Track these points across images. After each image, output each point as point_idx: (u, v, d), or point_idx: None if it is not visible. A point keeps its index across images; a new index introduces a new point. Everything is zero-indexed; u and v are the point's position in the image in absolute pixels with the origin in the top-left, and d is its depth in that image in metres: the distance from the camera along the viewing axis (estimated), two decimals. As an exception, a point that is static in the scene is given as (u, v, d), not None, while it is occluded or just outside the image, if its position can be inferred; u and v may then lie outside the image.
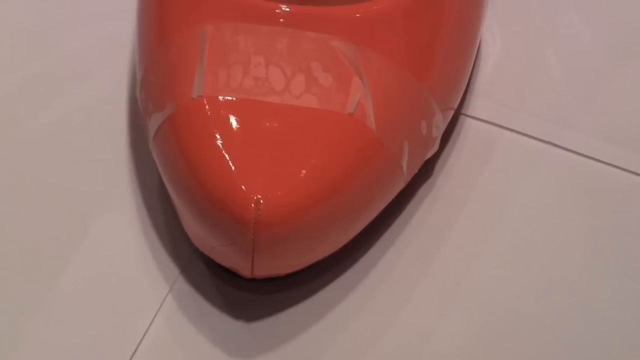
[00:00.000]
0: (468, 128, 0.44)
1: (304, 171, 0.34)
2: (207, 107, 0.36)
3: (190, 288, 0.39)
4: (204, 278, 0.39)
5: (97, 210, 0.41)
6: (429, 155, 0.40)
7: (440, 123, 0.39)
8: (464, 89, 0.42)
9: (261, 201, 0.33)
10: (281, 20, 0.37)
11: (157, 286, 0.39)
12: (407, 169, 0.38)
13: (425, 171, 0.41)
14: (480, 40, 0.45)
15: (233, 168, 0.34)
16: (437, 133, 0.39)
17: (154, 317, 0.38)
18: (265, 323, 0.38)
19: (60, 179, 0.42)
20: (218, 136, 0.35)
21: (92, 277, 0.39)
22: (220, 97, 0.36)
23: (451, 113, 0.41)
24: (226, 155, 0.34)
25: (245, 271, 0.36)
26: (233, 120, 0.35)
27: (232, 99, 0.36)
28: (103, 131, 0.44)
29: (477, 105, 0.45)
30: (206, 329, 0.38)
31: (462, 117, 0.44)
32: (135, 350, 0.37)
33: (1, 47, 0.47)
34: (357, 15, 0.38)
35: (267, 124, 0.35)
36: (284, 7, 0.37)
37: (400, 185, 0.38)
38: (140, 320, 0.38)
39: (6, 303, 0.38)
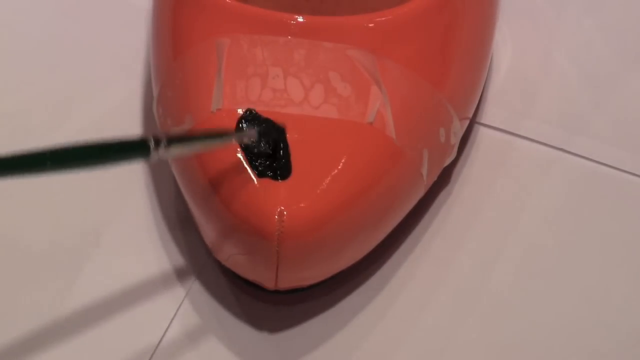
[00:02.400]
0: (482, 136, 0.44)
1: (326, 182, 0.34)
2: (226, 120, 0.36)
3: (207, 298, 0.39)
4: (221, 289, 0.39)
5: (112, 219, 0.41)
6: (447, 162, 0.40)
7: (458, 130, 0.39)
8: (479, 95, 0.42)
9: (285, 213, 0.33)
10: (297, 31, 0.37)
11: (172, 295, 0.39)
12: (427, 177, 0.38)
13: (443, 179, 0.41)
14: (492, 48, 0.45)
15: (255, 181, 0.34)
16: (455, 140, 0.39)
17: (169, 326, 0.38)
18: (288, 334, 0.38)
19: (75, 189, 0.42)
20: (238, 149, 0.35)
21: (107, 286, 0.39)
22: (240, 110, 0.36)
23: (467, 121, 0.41)
24: (247, 168, 0.34)
25: (269, 283, 0.36)
26: None
27: (252, 112, 0.36)
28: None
29: (490, 113, 0.45)
30: (226, 340, 0.38)
31: (475, 126, 0.44)
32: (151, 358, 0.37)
33: (18, 61, 0.47)
34: (372, 24, 0.38)
35: (287, 135, 0.35)
36: (299, 18, 0.37)
37: (420, 193, 0.38)
38: (156, 328, 0.38)
39: (22, 313, 0.38)
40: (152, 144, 0.29)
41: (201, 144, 0.34)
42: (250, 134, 0.34)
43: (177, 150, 0.31)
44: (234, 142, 0.34)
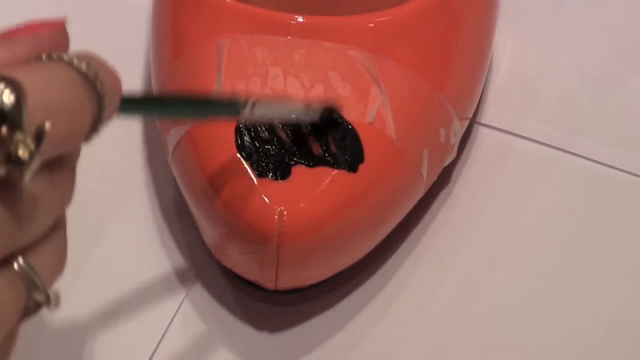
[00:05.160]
0: (482, 136, 0.44)
1: (326, 182, 0.34)
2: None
3: (207, 298, 0.39)
4: (221, 289, 0.39)
5: (112, 219, 0.41)
6: (447, 162, 0.40)
7: (458, 130, 0.39)
8: (479, 95, 0.42)
9: (284, 213, 0.33)
10: (297, 31, 0.37)
11: (172, 295, 0.39)
12: (427, 177, 0.38)
13: (443, 179, 0.41)
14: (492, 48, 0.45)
15: (255, 181, 0.34)
16: (455, 140, 0.39)
17: (169, 326, 0.38)
18: (288, 334, 0.38)
19: (75, 189, 0.42)
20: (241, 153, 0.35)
21: (107, 286, 0.39)
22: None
23: (467, 121, 0.41)
24: (247, 168, 0.34)
25: (269, 283, 0.36)
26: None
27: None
28: (117, 142, 0.44)
29: (490, 113, 0.45)
30: (226, 340, 0.38)
31: (475, 126, 0.44)
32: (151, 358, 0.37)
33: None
34: (372, 24, 0.38)
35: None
36: (299, 18, 0.37)
37: (420, 193, 0.38)
38: (156, 328, 0.38)
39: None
40: (241, 104, 0.31)
41: (285, 111, 0.34)
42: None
43: (261, 111, 0.32)
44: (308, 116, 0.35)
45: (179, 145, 0.37)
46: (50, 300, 0.24)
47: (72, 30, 0.48)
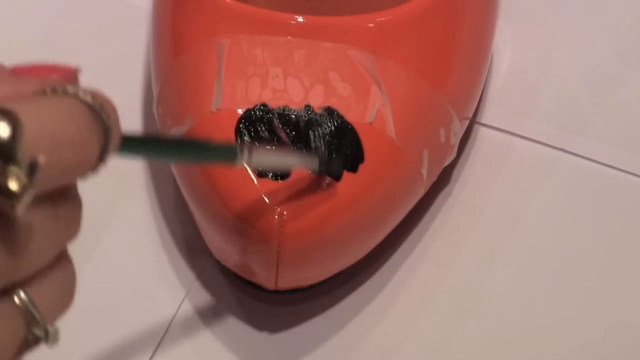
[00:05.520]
0: (482, 136, 0.44)
1: (326, 182, 0.34)
2: (226, 121, 0.36)
3: (207, 298, 0.39)
4: (221, 289, 0.39)
5: (112, 219, 0.41)
6: (447, 162, 0.40)
7: (458, 130, 0.39)
8: (479, 95, 0.42)
9: (284, 213, 0.33)
10: (297, 31, 0.37)
11: (172, 295, 0.39)
12: (427, 177, 0.38)
13: (443, 179, 0.41)
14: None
15: (255, 181, 0.34)
16: (455, 140, 0.39)
17: (169, 326, 0.38)
18: (288, 334, 0.38)
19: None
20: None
21: (107, 286, 0.39)
22: (239, 110, 0.36)
23: (467, 121, 0.41)
24: (247, 168, 0.34)
25: (269, 283, 0.35)
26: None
27: (251, 112, 0.36)
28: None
29: (490, 113, 0.45)
30: (226, 340, 0.38)
31: (475, 126, 0.44)
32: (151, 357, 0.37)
33: (17, 61, 0.47)
34: (372, 24, 0.38)
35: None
36: (299, 18, 0.37)
37: (420, 193, 0.38)
38: (156, 328, 0.38)
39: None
40: (239, 151, 0.30)
41: (283, 160, 0.34)
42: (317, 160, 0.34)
43: (259, 160, 0.32)
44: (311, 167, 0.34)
45: (179, 146, 0.37)
46: (48, 336, 0.24)
47: (73, 30, 0.49)
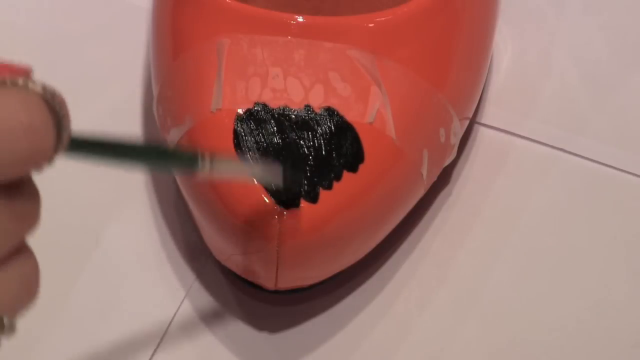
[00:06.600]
0: (482, 136, 0.44)
1: (326, 181, 0.34)
2: (226, 120, 0.36)
3: (207, 298, 0.39)
4: (221, 289, 0.39)
5: (112, 219, 0.41)
6: (447, 162, 0.40)
7: (458, 130, 0.39)
8: (479, 95, 0.42)
9: (284, 213, 0.33)
10: (297, 31, 0.37)
11: (172, 295, 0.39)
12: (427, 177, 0.38)
13: (443, 179, 0.41)
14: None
15: (255, 181, 0.34)
16: (455, 140, 0.39)
17: (169, 326, 0.38)
18: (288, 334, 0.38)
19: (75, 189, 0.42)
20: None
21: (107, 286, 0.39)
22: (240, 110, 0.36)
23: (467, 121, 0.41)
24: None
25: (269, 283, 0.35)
26: None
27: (251, 111, 0.36)
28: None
29: (490, 112, 0.45)
30: (226, 340, 0.38)
31: (475, 126, 0.44)
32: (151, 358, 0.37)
33: (17, 61, 0.47)
34: (372, 24, 0.38)
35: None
36: (299, 18, 0.37)
37: (420, 193, 0.38)
38: (156, 328, 0.38)
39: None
40: (199, 159, 0.30)
41: (244, 172, 0.34)
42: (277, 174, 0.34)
43: (220, 168, 0.31)
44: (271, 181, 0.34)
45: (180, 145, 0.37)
46: (4, 327, 0.24)
47: (72, 29, 0.49)
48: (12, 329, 0.24)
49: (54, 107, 0.23)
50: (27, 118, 0.22)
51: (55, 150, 0.24)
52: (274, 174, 0.34)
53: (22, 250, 0.25)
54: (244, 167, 0.34)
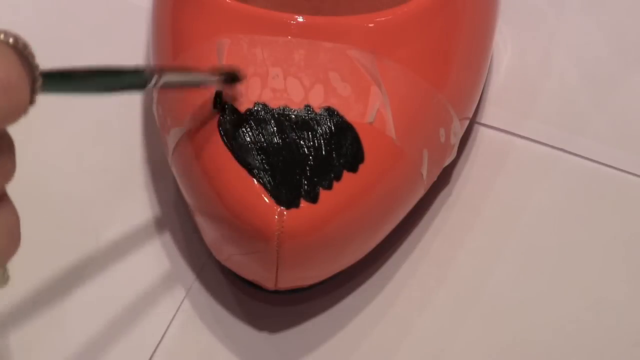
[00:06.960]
0: (482, 136, 0.44)
1: (326, 181, 0.34)
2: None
3: (207, 298, 0.39)
4: (221, 289, 0.39)
5: (112, 219, 0.41)
6: (447, 162, 0.40)
7: (458, 130, 0.39)
8: (479, 95, 0.42)
9: (284, 213, 0.33)
10: (297, 31, 0.37)
11: (172, 295, 0.39)
12: (427, 177, 0.38)
13: (443, 179, 0.41)
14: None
15: (255, 181, 0.34)
16: (455, 140, 0.39)
17: (168, 326, 0.38)
18: (288, 334, 0.38)
19: (75, 189, 0.42)
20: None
21: (107, 286, 0.39)
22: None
23: (467, 121, 0.41)
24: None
25: (269, 283, 0.35)
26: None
27: (251, 111, 0.36)
28: (117, 142, 0.44)
29: (490, 112, 0.45)
30: (226, 340, 0.38)
31: (475, 126, 0.44)
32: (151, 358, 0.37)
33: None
34: (372, 24, 0.38)
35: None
36: (299, 18, 0.37)
37: (420, 193, 0.38)
38: (156, 328, 0.38)
39: (22, 313, 0.38)
40: (146, 74, 0.31)
41: (190, 80, 0.35)
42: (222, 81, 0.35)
43: (166, 80, 0.32)
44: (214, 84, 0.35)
45: (179, 145, 0.37)
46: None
47: (72, 29, 0.49)
48: (5, 279, 0.25)
49: (27, 59, 0.23)
50: (5, 73, 0.22)
51: (31, 101, 0.23)
52: (216, 80, 0.35)
53: (2, 200, 0.25)
54: (187, 75, 0.35)
